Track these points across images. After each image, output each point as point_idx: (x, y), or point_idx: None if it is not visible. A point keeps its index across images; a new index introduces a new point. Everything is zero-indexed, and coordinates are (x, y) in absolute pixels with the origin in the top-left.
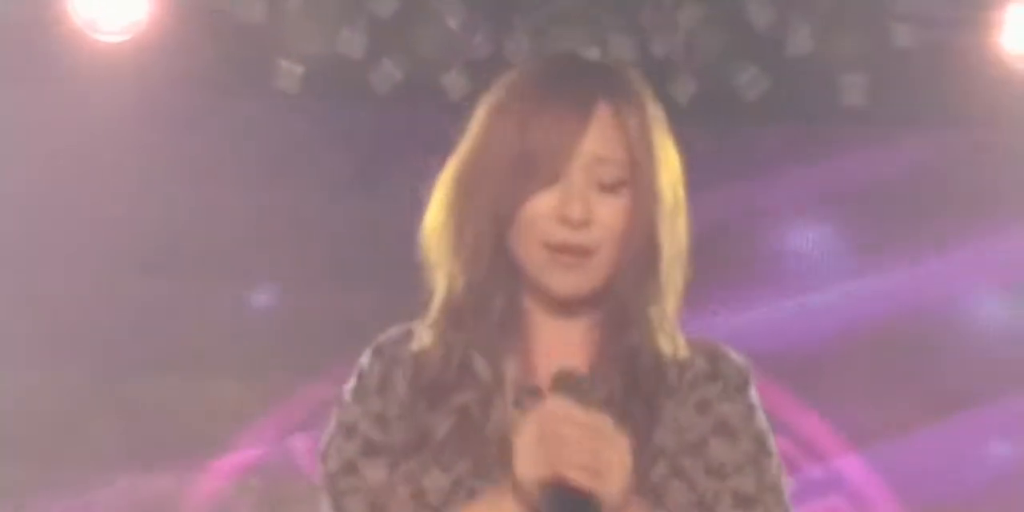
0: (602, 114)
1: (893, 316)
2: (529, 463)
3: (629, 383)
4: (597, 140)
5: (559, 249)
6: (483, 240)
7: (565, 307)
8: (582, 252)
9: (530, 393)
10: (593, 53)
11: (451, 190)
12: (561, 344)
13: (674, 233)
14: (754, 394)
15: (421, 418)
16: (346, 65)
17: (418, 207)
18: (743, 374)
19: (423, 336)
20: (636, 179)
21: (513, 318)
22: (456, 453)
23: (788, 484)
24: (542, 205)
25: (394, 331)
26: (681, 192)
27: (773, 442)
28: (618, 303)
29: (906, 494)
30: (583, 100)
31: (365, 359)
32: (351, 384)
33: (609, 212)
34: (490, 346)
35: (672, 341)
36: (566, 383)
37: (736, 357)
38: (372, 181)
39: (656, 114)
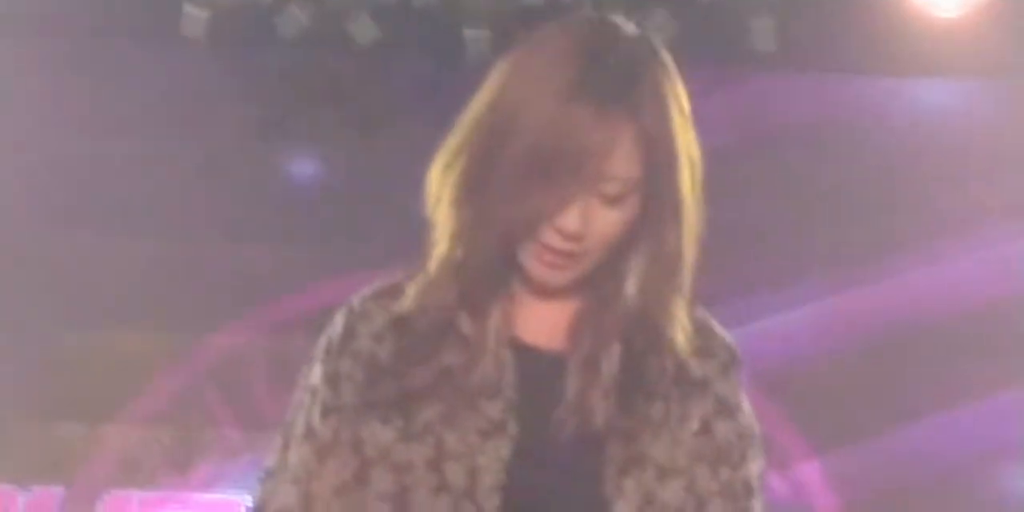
0: (626, 136)
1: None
2: None
3: (630, 378)
4: (615, 162)
5: (546, 248)
6: (487, 218)
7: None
8: (568, 256)
9: (512, 347)
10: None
11: (464, 153)
12: (547, 313)
13: (695, 236)
14: (739, 374)
15: (401, 376)
16: (252, 10)
17: (323, 154)
18: (731, 350)
19: (415, 292)
20: (652, 190)
21: (504, 284)
22: (430, 408)
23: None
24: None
25: (372, 287)
26: (700, 191)
27: (757, 423)
28: (634, 303)
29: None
30: (611, 121)
31: (337, 315)
32: (320, 343)
33: (605, 223)
34: (480, 308)
35: (685, 338)
36: None
37: (721, 331)
38: (278, 127)
39: (678, 111)
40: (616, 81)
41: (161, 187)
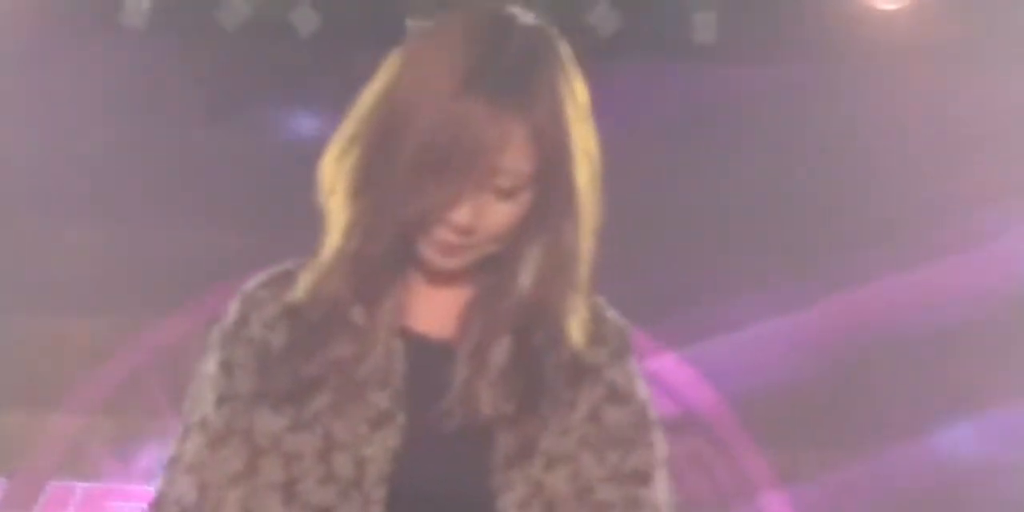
0: (519, 131)
1: None
2: None
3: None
4: (508, 157)
5: (431, 236)
6: (380, 211)
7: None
8: (460, 248)
9: (403, 337)
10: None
11: (358, 143)
12: (439, 302)
13: (592, 229)
14: (634, 361)
15: (293, 366)
16: (194, 0)
17: (266, 142)
18: (624, 336)
19: (308, 282)
20: (545, 184)
21: (398, 274)
22: (320, 398)
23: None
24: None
25: (265, 275)
26: (598, 184)
27: (655, 410)
28: (527, 296)
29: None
30: (504, 116)
31: (232, 303)
32: (213, 331)
33: (498, 218)
34: (373, 299)
35: (581, 332)
36: None
37: (613, 316)
38: (221, 117)
39: (573, 104)
40: (509, 74)
41: (103, 175)
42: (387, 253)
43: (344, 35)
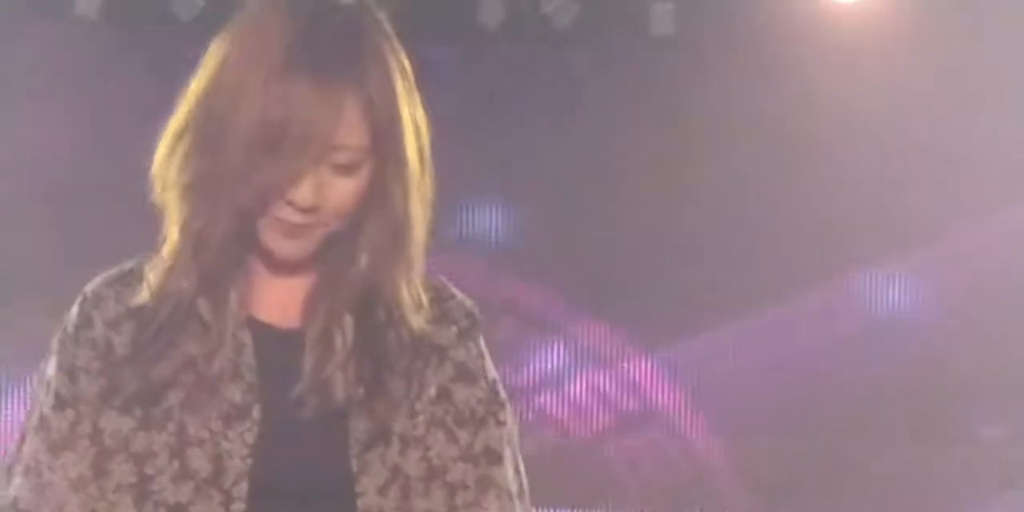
0: (352, 105)
1: None
2: None
3: (367, 348)
4: (343, 131)
5: (281, 222)
6: (218, 198)
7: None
8: (304, 228)
9: (250, 328)
10: None
11: (187, 135)
12: (284, 290)
13: (423, 201)
14: (482, 339)
15: (141, 366)
16: None
17: None
18: (471, 316)
19: (151, 281)
20: (380, 157)
21: (241, 264)
22: (171, 396)
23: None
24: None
25: (106, 275)
26: (427, 156)
27: (502, 387)
28: (366, 275)
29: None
30: (335, 91)
31: (72, 307)
32: (57, 334)
33: (340, 194)
34: (219, 291)
35: (417, 307)
36: None
37: (459, 295)
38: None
39: (401, 77)
40: (336, 50)
41: (54, 165)
42: (227, 243)
43: None
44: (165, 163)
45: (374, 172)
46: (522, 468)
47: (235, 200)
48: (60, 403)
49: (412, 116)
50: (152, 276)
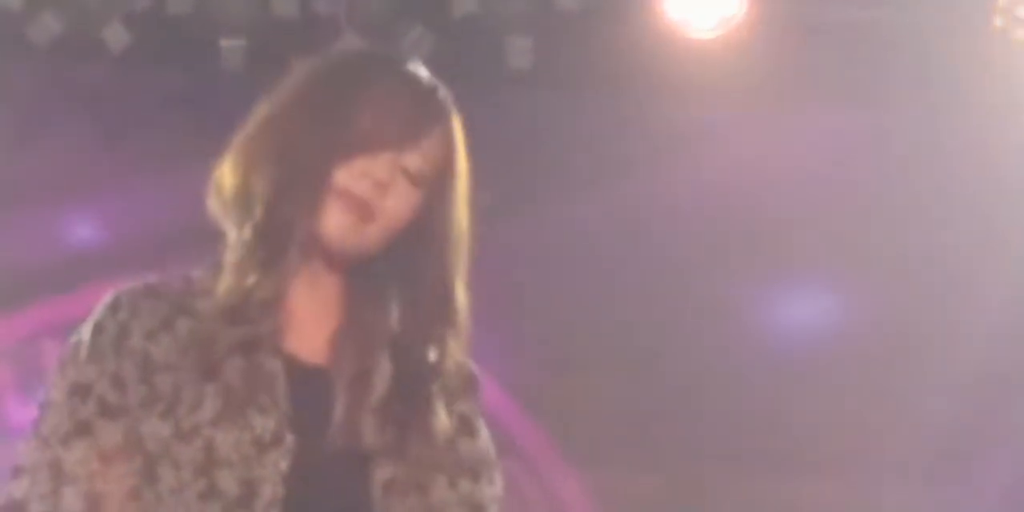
0: (440, 127)
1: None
2: None
3: (399, 379)
4: (428, 141)
5: (346, 194)
6: (294, 199)
7: (335, 269)
8: (366, 208)
9: (281, 357)
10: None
11: (262, 151)
12: (318, 310)
13: (462, 266)
14: (479, 401)
15: (176, 377)
16: (3, 17)
17: (81, 160)
18: (472, 377)
19: (213, 290)
20: (433, 197)
21: (285, 289)
22: (200, 411)
23: None
24: (348, 177)
25: (136, 287)
26: (465, 239)
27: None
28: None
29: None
30: (435, 108)
31: (100, 314)
32: (84, 339)
33: (401, 197)
34: (257, 317)
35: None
36: None
37: (463, 358)
38: (30, 135)
39: (461, 135)
40: (430, 90)
41: None
42: (297, 236)
43: (155, 54)
44: (237, 187)
45: (423, 210)
46: None
47: (315, 158)
48: (108, 411)
49: (465, 178)
50: (219, 283)
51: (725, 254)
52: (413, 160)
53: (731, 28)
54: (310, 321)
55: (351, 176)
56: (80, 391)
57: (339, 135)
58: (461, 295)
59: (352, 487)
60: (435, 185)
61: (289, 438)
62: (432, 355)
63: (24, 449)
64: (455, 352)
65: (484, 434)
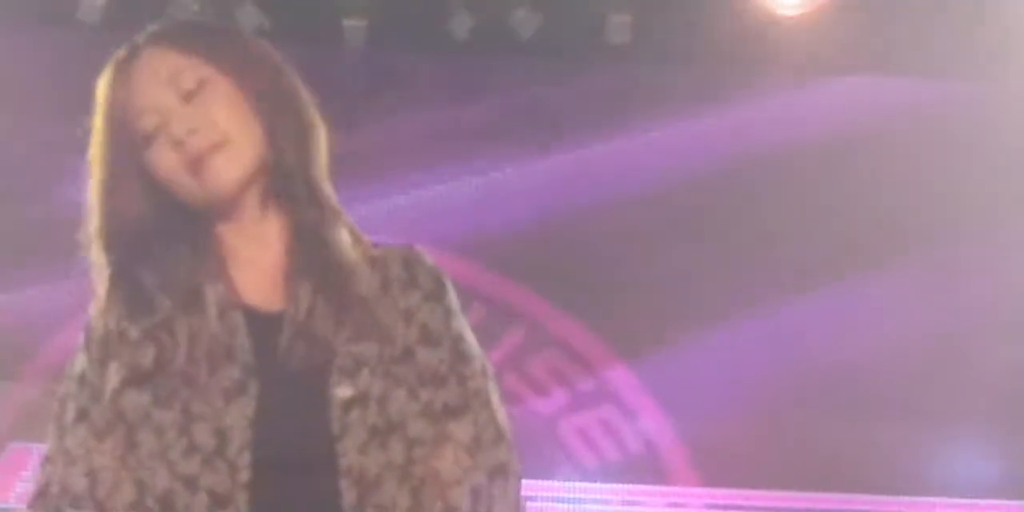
0: (148, 54)
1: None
2: None
3: (320, 286)
4: (153, 69)
5: (197, 164)
6: (133, 198)
7: (251, 225)
8: (213, 149)
9: (233, 307)
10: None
11: (93, 150)
12: (258, 261)
13: (295, 114)
14: (451, 299)
15: (148, 349)
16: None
17: None
18: (439, 280)
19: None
20: (223, 66)
21: (206, 247)
22: (175, 375)
23: (495, 384)
24: (163, 162)
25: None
26: (291, 77)
27: (472, 344)
28: (284, 192)
29: (670, 404)
30: (126, 57)
31: (89, 318)
32: (81, 337)
33: (206, 110)
34: (186, 278)
35: (356, 239)
36: None
37: (430, 262)
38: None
39: (221, 27)
40: (138, 41)
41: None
42: (181, 226)
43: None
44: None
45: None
46: (497, 414)
47: (142, 183)
48: (97, 394)
49: (245, 49)
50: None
51: (828, 214)
52: (180, 84)
53: (818, 4)
54: (255, 269)
55: (171, 170)
56: (77, 381)
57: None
58: (326, 186)
59: (314, 416)
60: (213, 95)
61: (253, 385)
62: (331, 248)
63: (48, 439)
64: (354, 243)
65: (451, 336)
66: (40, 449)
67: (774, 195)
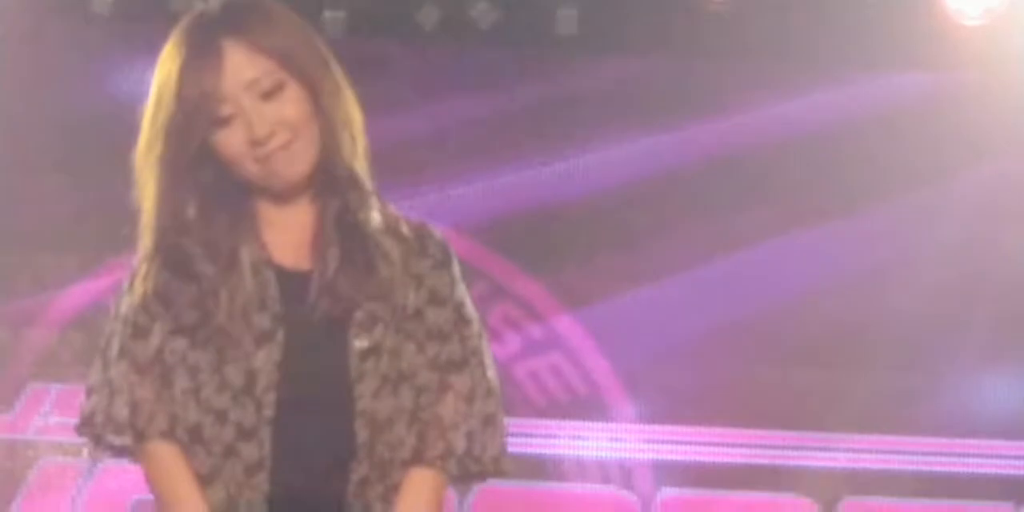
0: (231, 47)
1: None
2: None
3: (347, 252)
4: (238, 67)
5: (266, 157)
6: (188, 177)
7: (289, 196)
8: (285, 146)
9: (266, 264)
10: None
11: (147, 132)
12: (291, 228)
13: (343, 108)
14: (456, 268)
15: (195, 301)
16: None
17: None
18: (446, 251)
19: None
20: (294, 71)
21: (244, 213)
22: (212, 322)
23: (488, 345)
24: (232, 147)
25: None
26: (338, 73)
27: (471, 309)
28: (328, 175)
29: (613, 350)
30: (208, 43)
31: (139, 260)
32: (126, 281)
33: (281, 110)
34: (240, 243)
35: (383, 211)
36: None
37: (439, 236)
38: None
39: (285, 20)
40: (207, 26)
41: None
42: (227, 202)
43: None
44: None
45: (302, 107)
46: (488, 371)
47: (199, 164)
48: (140, 333)
49: (307, 41)
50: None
51: (764, 174)
52: (260, 85)
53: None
54: (291, 235)
55: (242, 156)
56: (123, 319)
57: (195, 133)
58: (363, 169)
59: (334, 363)
60: (288, 96)
61: (280, 333)
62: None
63: (92, 371)
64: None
65: (455, 300)
66: (57, 388)
67: (720, 171)
